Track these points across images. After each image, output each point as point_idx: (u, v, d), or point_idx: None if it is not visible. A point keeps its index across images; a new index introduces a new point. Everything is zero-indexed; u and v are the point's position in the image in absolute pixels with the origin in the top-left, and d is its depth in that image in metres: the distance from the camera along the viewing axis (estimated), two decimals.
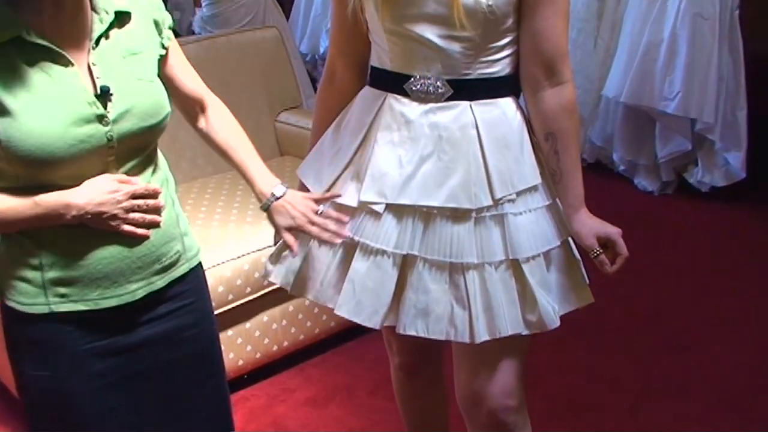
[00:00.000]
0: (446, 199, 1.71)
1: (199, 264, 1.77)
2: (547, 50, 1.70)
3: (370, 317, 1.76)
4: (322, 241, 1.79)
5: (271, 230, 1.81)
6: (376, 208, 1.74)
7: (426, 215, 1.73)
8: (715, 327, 3.28)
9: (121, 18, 1.57)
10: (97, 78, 1.50)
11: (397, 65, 1.75)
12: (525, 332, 1.75)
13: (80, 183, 1.50)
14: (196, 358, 1.74)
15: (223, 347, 2.77)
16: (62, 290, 1.55)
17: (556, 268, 1.79)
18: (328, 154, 1.86)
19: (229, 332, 2.83)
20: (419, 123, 1.73)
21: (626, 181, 4.57)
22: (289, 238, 1.74)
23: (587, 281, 1.84)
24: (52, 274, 1.54)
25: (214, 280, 2.70)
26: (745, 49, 4.13)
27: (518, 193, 1.74)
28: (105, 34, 1.53)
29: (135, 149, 1.57)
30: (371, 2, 1.71)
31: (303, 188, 1.91)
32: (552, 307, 1.75)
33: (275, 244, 1.92)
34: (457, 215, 1.72)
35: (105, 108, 1.49)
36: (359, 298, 1.75)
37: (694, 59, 4.07)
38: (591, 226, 1.75)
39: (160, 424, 1.71)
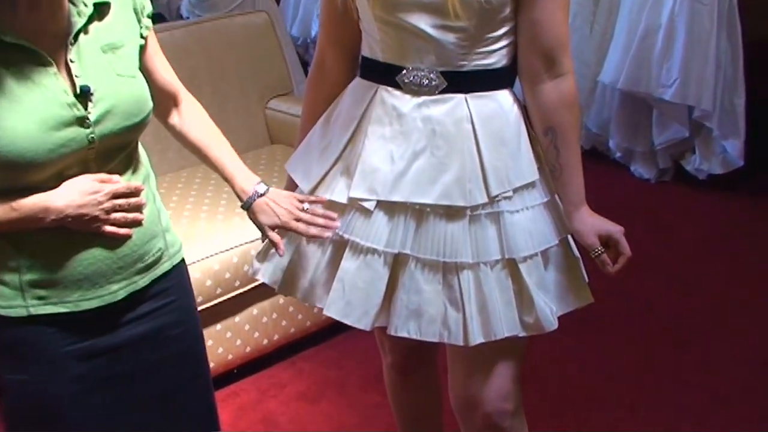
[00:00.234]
0: (440, 197, 1.65)
1: (182, 260, 1.72)
2: (547, 41, 1.64)
3: (360, 318, 1.70)
4: (310, 238, 1.73)
5: None
6: (366, 205, 1.68)
7: (419, 213, 1.67)
8: (714, 318, 3.23)
9: (101, 10, 1.49)
10: (77, 76, 1.44)
11: (389, 56, 1.68)
12: (521, 334, 1.69)
13: (60, 184, 1.45)
14: (181, 357, 1.69)
15: (211, 342, 2.76)
16: (41, 292, 1.50)
17: (554, 267, 1.73)
18: (318, 148, 1.79)
19: (218, 326, 2.77)
20: (412, 117, 1.66)
21: (622, 168, 4.52)
22: (275, 237, 1.67)
23: (587, 280, 1.78)
24: (30, 276, 1.49)
25: (202, 273, 2.65)
26: (743, 35, 4.07)
27: (515, 190, 1.68)
28: (84, 29, 1.46)
29: (117, 148, 1.52)
30: None
31: (291, 183, 1.85)
32: (550, 309, 1.69)
33: (262, 241, 1.86)
34: (451, 213, 1.66)
35: (86, 109, 1.43)
36: (349, 298, 1.69)
37: (692, 45, 4.02)
38: (592, 224, 1.69)
39: (146, 425, 1.66)
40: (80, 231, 1.48)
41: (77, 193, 1.44)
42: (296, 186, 1.82)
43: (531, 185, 1.70)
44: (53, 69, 1.42)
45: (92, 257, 1.51)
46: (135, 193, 1.52)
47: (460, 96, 1.65)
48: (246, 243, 2.73)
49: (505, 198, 1.67)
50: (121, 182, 1.50)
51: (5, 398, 1.59)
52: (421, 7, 1.59)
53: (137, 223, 1.53)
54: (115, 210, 1.48)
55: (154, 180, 1.67)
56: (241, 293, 2.77)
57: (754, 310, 3.27)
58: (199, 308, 2.60)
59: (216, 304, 2.72)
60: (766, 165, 4.33)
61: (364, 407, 2.78)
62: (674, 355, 3.01)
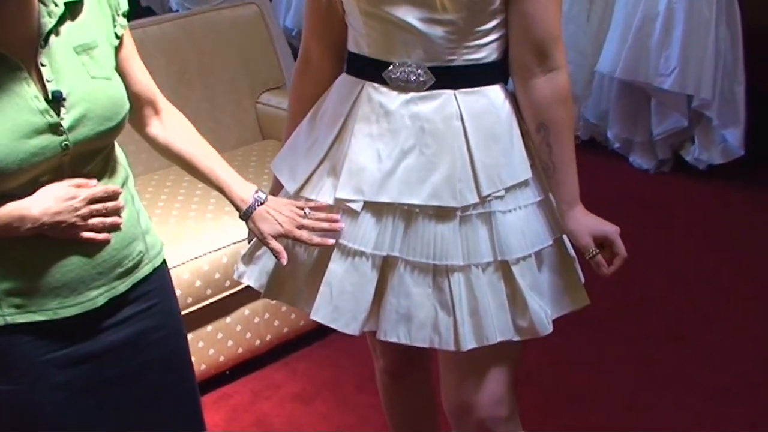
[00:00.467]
0: (429, 197, 1.59)
1: (163, 262, 1.67)
2: (539, 34, 1.58)
3: (348, 323, 1.64)
4: (314, 246, 1.67)
5: None
6: (353, 206, 1.62)
7: (407, 214, 1.61)
8: (715, 311, 3.17)
9: (73, 9, 1.43)
10: (48, 81, 1.37)
11: (375, 51, 1.61)
12: (515, 338, 1.63)
13: (34, 190, 1.39)
14: (163, 361, 1.64)
15: (202, 343, 2.70)
16: (18, 301, 1.45)
17: (548, 268, 1.67)
18: (303, 147, 1.73)
19: (209, 327, 2.72)
20: (399, 114, 1.60)
21: (621, 159, 4.46)
22: (277, 246, 1.62)
23: (583, 281, 1.73)
24: (6, 284, 1.44)
25: (191, 274, 2.59)
26: (743, 22, 4.01)
27: (507, 189, 1.61)
28: (55, 30, 1.39)
29: (92, 152, 1.46)
30: None
31: (277, 183, 1.79)
32: (544, 312, 1.63)
33: (249, 242, 1.81)
34: (441, 214, 1.60)
35: (58, 115, 1.37)
36: (336, 302, 1.63)
37: (691, 33, 3.95)
38: (586, 224, 1.63)
39: (131, 431, 1.62)
40: (57, 238, 1.43)
41: (53, 200, 1.39)
42: (282, 186, 1.76)
43: (524, 184, 1.64)
44: (23, 74, 1.36)
45: (70, 264, 1.46)
46: (113, 196, 1.46)
47: (450, 92, 1.59)
48: (236, 243, 2.66)
49: (497, 197, 1.61)
50: (98, 186, 1.45)
51: None
52: (407, 0, 1.52)
53: (116, 228, 1.48)
54: (92, 215, 1.44)
55: (132, 180, 1.61)
56: (231, 294, 2.71)
57: (755, 303, 3.21)
58: (189, 309, 2.61)
59: (206, 305, 2.67)
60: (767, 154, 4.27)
61: (360, 407, 2.73)
62: (675, 351, 2.95)
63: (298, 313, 2.91)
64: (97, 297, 1.50)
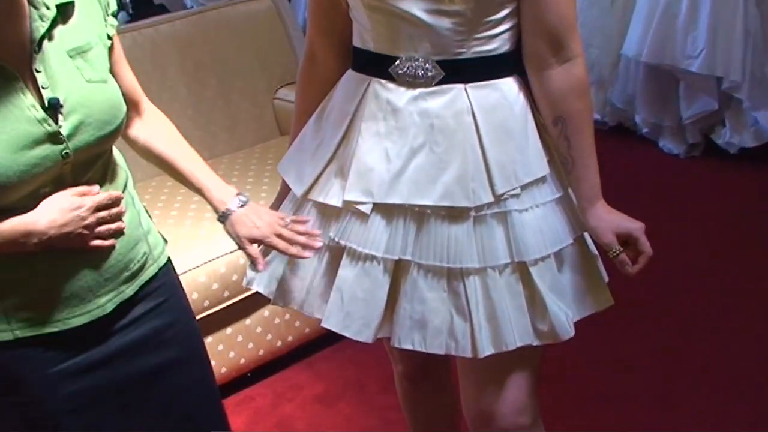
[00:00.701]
0: (441, 197, 1.51)
1: (168, 260, 1.63)
2: (553, 22, 1.50)
3: (361, 330, 1.58)
4: (290, 257, 1.62)
5: None
6: (362, 208, 1.55)
7: (419, 215, 1.54)
8: (747, 302, 3.06)
9: (64, 11, 1.37)
10: (44, 88, 1.33)
11: (381, 46, 1.54)
12: (535, 343, 1.56)
13: (34, 202, 1.35)
14: (181, 361, 1.60)
15: (222, 346, 2.65)
16: (27, 314, 1.42)
17: (569, 268, 1.60)
18: (310, 147, 1.66)
19: (228, 330, 2.67)
20: (407, 111, 1.53)
21: (650, 144, 4.36)
22: (253, 251, 1.57)
23: (606, 280, 1.65)
24: (14, 299, 1.41)
25: (207, 277, 2.55)
26: None
27: (523, 187, 1.54)
28: (47, 35, 1.34)
29: (93, 159, 1.43)
30: None
31: (284, 186, 1.73)
32: (565, 314, 1.56)
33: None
34: (454, 214, 1.52)
35: (56, 122, 1.32)
36: (348, 309, 1.57)
37: (719, 13, 3.84)
38: (609, 221, 1.55)
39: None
40: (63, 249, 1.39)
41: (58, 212, 1.36)
42: (289, 189, 1.69)
43: (541, 180, 1.56)
44: (19, 83, 1.31)
45: (78, 273, 1.43)
46: (116, 202, 1.43)
47: (460, 86, 1.52)
48: None
49: (513, 196, 1.53)
50: (101, 193, 1.41)
51: (5, 419, 1.51)
52: None
53: (120, 232, 1.45)
54: (99, 224, 1.40)
55: (132, 182, 1.58)
56: (249, 295, 2.65)
57: None
58: (207, 312, 2.57)
59: (224, 308, 2.62)
60: None
61: (384, 409, 2.67)
62: (706, 347, 2.84)
63: None
64: (106, 303, 1.47)
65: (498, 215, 1.53)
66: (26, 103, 1.31)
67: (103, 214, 1.40)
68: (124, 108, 1.45)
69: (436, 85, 1.52)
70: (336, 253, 1.60)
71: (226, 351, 2.67)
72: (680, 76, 4.07)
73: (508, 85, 1.55)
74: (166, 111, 3.15)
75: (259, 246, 1.58)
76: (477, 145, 1.52)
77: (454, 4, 1.44)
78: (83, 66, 1.38)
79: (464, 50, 1.50)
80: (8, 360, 1.44)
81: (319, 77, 1.70)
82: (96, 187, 1.41)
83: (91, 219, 1.38)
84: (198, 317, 2.51)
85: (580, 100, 1.54)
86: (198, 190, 1.61)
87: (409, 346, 1.56)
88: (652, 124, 4.32)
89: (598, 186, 1.57)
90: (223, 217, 1.59)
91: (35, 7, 1.33)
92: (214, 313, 2.59)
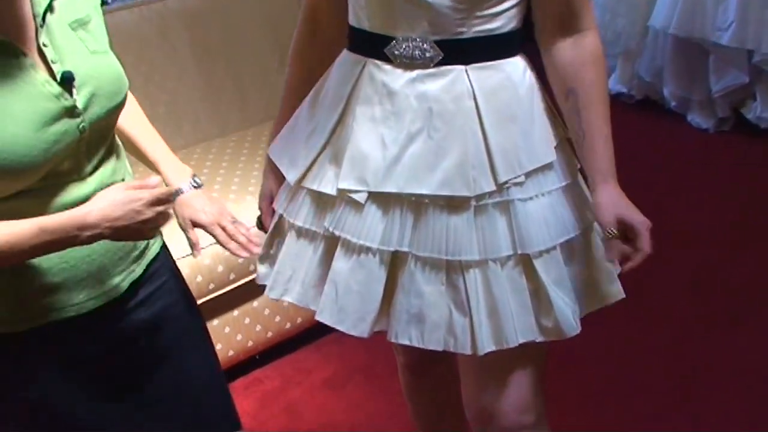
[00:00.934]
0: (439, 186, 1.43)
1: (162, 239, 1.62)
2: None
3: (356, 325, 1.50)
4: (300, 235, 1.55)
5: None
6: (356, 197, 1.47)
7: (416, 205, 1.45)
8: None
9: None
10: (53, 62, 1.29)
11: (376, 25, 1.45)
12: (539, 339, 1.47)
13: (52, 183, 1.32)
14: (189, 339, 1.61)
15: (228, 329, 2.60)
16: (44, 301, 1.38)
17: (577, 261, 1.50)
18: (304, 132, 1.58)
19: (235, 312, 2.62)
20: (404, 94, 1.44)
21: (678, 118, 4.22)
22: (194, 236, 1.58)
23: (618, 271, 1.54)
24: (31, 285, 1.37)
25: (212, 259, 2.49)
26: None
27: (527, 175, 1.45)
28: (49, 7, 1.30)
29: (104, 133, 1.40)
30: None
31: (276, 170, 1.64)
32: (571, 310, 1.47)
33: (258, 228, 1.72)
34: (453, 204, 1.44)
35: (71, 96, 1.29)
36: (342, 302, 1.50)
37: None
38: (616, 202, 1.42)
39: (168, 416, 1.58)
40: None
41: (110, 205, 1.31)
42: (281, 175, 1.61)
43: (547, 167, 1.47)
44: (29, 60, 1.26)
45: (94, 253, 1.40)
46: (171, 196, 1.39)
47: (460, 68, 1.42)
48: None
49: (516, 184, 1.44)
50: (159, 188, 1.35)
51: (14, 421, 1.49)
52: None
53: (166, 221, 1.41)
54: (157, 218, 1.34)
55: (125, 157, 1.55)
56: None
57: None
58: (213, 295, 2.51)
59: (230, 291, 2.57)
60: None
61: (393, 394, 2.58)
62: (730, 339, 2.72)
63: None
64: (120, 283, 1.45)
65: (500, 205, 1.44)
66: (39, 79, 1.27)
67: (160, 208, 1.34)
68: (126, 79, 1.42)
69: (434, 66, 1.42)
70: (331, 245, 1.52)
71: (233, 333, 2.61)
72: (709, 48, 3.95)
73: (513, 65, 1.46)
74: (174, 87, 3.09)
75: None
76: (478, 131, 1.43)
77: None
78: (86, 37, 1.36)
79: (465, 29, 1.41)
80: (23, 351, 1.41)
81: (321, 49, 1.60)
82: (154, 179, 1.36)
83: (149, 213, 1.32)
84: (203, 300, 2.47)
85: (593, 69, 1.45)
86: (153, 165, 1.60)
87: (406, 341, 1.49)
88: (681, 98, 4.19)
89: (611, 162, 1.45)
90: (174, 196, 1.57)
91: None
92: (219, 295, 2.54)
